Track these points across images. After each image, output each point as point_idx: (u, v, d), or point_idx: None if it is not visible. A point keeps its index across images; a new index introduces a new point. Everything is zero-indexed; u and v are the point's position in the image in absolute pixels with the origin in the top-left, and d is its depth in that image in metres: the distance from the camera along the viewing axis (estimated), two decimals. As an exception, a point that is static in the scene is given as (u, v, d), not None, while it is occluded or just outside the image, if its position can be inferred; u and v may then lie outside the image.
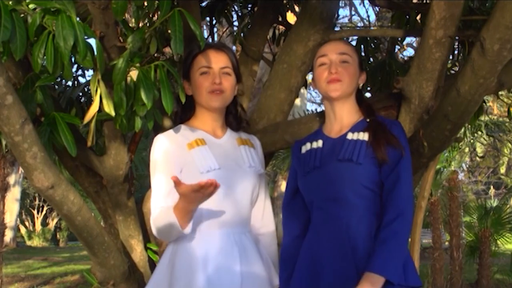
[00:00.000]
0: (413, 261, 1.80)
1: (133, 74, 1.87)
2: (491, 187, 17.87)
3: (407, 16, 2.93)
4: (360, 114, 1.93)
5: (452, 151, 7.97)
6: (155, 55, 2.58)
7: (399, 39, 3.45)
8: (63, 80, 2.68)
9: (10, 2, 1.63)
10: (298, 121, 2.43)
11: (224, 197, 1.91)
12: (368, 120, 1.89)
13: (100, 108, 1.89)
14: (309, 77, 3.43)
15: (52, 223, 18.86)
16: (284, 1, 3.11)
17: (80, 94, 2.64)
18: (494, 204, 8.56)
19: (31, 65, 1.70)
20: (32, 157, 1.75)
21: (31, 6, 1.71)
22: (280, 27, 3.26)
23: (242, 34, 3.11)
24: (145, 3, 2.50)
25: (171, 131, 1.99)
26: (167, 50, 3.20)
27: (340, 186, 1.80)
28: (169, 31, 1.83)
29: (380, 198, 1.79)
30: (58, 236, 19.17)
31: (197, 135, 1.98)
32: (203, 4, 3.09)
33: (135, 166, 5.37)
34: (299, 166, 1.94)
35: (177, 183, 1.71)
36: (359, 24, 10.78)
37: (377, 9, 6.08)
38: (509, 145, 12.07)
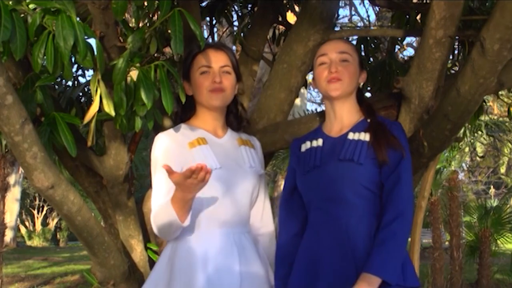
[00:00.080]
0: (411, 261, 1.80)
1: (133, 74, 1.88)
2: (491, 187, 17.87)
3: (407, 16, 2.93)
4: (360, 114, 1.93)
5: (452, 151, 7.97)
6: (155, 55, 2.58)
7: (399, 39, 3.46)
8: (63, 80, 2.68)
9: (10, 2, 1.63)
10: (298, 121, 2.43)
11: (224, 197, 1.91)
12: (368, 120, 1.88)
13: (100, 108, 1.89)
14: (309, 77, 3.43)
15: (52, 223, 18.87)
16: (284, 1, 3.11)
17: (80, 94, 2.65)
18: (494, 204, 8.56)
19: (31, 65, 1.70)
20: (32, 157, 1.75)
21: (31, 6, 1.71)
22: (280, 27, 3.26)
23: (242, 34, 3.11)
24: (145, 3, 2.50)
25: (171, 130, 2.00)
26: (167, 50, 3.20)
27: (340, 186, 1.80)
28: (169, 31, 1.83)
29: (379, 198, 1.79)
30: (58, 236, 19.18)
31: (198, 134, 1.98)
32: (203, 4, 3.09)
33: (135, 166, 5.37)
34: (298, 165, 1.93)
35: (169, 172, 1.71)
36: (359, 24, 10.78)
37: (377, 9, 6.08)
38: (509, 145, 12.07)
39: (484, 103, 3.52)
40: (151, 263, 2.48)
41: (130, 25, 2.42)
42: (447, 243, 8.40)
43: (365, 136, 1.83)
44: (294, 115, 7.04)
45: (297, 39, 2.47)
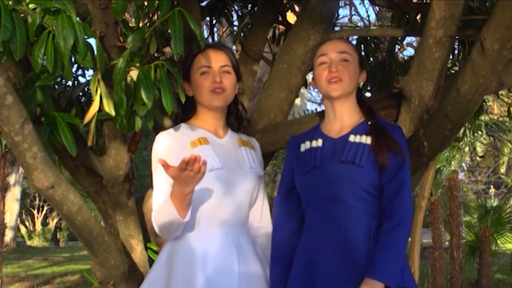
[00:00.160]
0: (408, 262, 1.82)
1: (133, 74, 1.88)
2: (491, 186, 17.87)
3: (407, 16, 2.93)
4: (360, 115, 1.92)
5: (452, 150, 7.97)
6: (155, 55, 2.58)
7: (399, 38, 3.46)
8: (63, 80, 2.68)
9: (10, 2, 1.63)
10: (298, 121, 2.43)
11: (224, 197, 1.92)
12: (369, 123, 1.88)
13: (100, 108, 1.89)
14: (309, 77, 3.43)
15: (52, 223, 18.87)
16: (284, 1, 3.11)
17: (80, 94, 2.64)
18: (494, 204, 8.57)
19: (31, 65, 1.70)
20: (32, 157, 1.75)
21: (31, 6, 1.71)
22: (280, 27, 3.26)
23: (242, 34, 3.11)
24: (145, 3, 2.50)
25: (172, 130, 2.00)
26: (167, 50, 3.20)
27: (340, 188, 1.80)
28: (169, 31, 1.83)
29: (378, 201, 1.80)
30: (58, 236, 19.18)
31: (200, 133, 1.98)
32: (203, 4, 3.09)
33: (135, 165, 5.37)
34: (298, 165, 1.92)
35: (165, 166, 1.72)
36: (359, 24, 10.79)
37: (377, 9, 6.08)
38: (509, 145, 12.08)
39: (484, 103, 3.52)
40: (151, 263, 2.47)
41: (130, 25, 2.42)
42: (447, 243, 8.40)
43: (366, 139, 1.83)
44: (294, 115, 7.04)
45: (297, 39, 2.47)
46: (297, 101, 8.39)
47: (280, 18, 3.04)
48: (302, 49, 2.46)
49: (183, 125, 2.02)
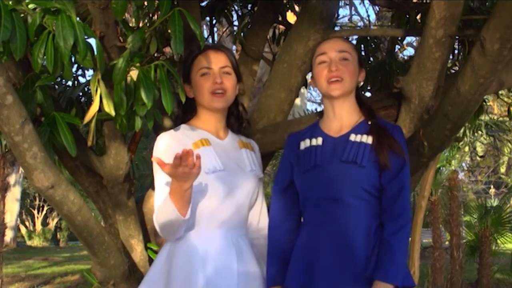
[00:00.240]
0: (407, 263, 1.84)
1: (133, 74, 1.87)
2: (491, 186, 17.87)
3: (407, 16, 2.93)
4: (360, 115, 1.92)
5: (452, 150, 7.97)
6: (155, 55, 2.58)
7: (399, 38, 3.45)
8: (63, 80, 2.68)
9: (10, 2, 1.63)
10: (298, 121, 2.43)
11: (225, 198, 1.92)
12: (369, 122, 1.88)
13: (100, 108, 1.89)
14: (309, 76, 3.43)
15: (52, 223, 18.86)
16: (284, 1, 3.11)
17: (80, 94, 2.64)
18: (494, 204, 8.57)
19: (31, 65, 1.70)
20: (32, 157, 1.75)
21: (31, 6, 1.71)
22: (280, 26, 3.26)
23: (242, 34, 3.11)
24: (145, 3, 2.50)
25: (173, 131, 1.99)
26: (167, 50, 3.20)
27: (340, 187, 1.80)
28: (169, 31, 1.83)
29: (378, 200, 1.81)
30: (58, 236, 19.18)
31: (201, 135, 1.98)
32: (203, 4, 3.08)
33: (136, 166, 5.37)
34: (297, 163, 1.91)
35: (160, 164, 1.73)
36: (359, 24, 10.78)
37: (377, 9, 6.08)
38: (509, 144, 12.08)
39: (484, 103, 3.52)
40: (151, 263, 2.47)
41: (130, 25, 2.42)
42: (447, 242, 8.39)
43: (367, 139, 1.82)
44: (294, 115, 7.04)
45: (297, 38, 2.47)
46: (297, 101, 8.39)
47: (280, 18, 3.04)
48: (302, 49, 2.46)
49: (183, 126, 2.02)
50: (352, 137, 1.84)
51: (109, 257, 2.16)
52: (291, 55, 2.49)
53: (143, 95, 1.83)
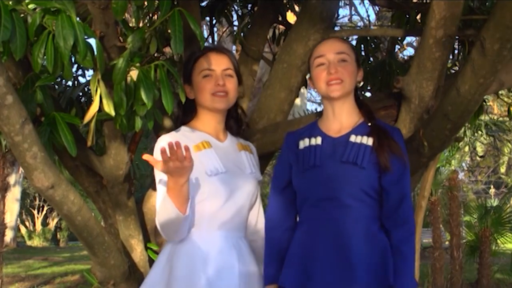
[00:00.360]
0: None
1: (133, 74, 1.87)
2: (491, 186, 17.87)
3: (407, 16, 2.93)
4: (359, 116, 1.92)
5: (452, 150, 7.97)
6: (155, 55, 2.58)
7: (399, 38, 3.46)
8: (63, 80, 2.68)
9: (10, 2, 1.63)
10: (298, 121, 2.43)
11: (226, 200, 1.92)
12: (369, 124, 1.88)
13: (100, 108, 1.89)
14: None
15: (52, 223, 18.86)
16: (284, 1, 3.11)
17: (80, 94, 2.64)
18: (494, 204, 8.56)
19: (31, 65, 1.70)
20: (32, 157, 1.75)
21: (31, 6, 1.71)
22: (280, 26, 3.26)
23: (242, 34, 3.11)
24: (145, 3, 2.50)
25: (174, 132, 1.99)
26: (167, 50, 3.20)
27: (339, 188, 1.80)
28: (169, 31, 1.83)
29: (376, 203, 1.81)
30: (58, 236, 19.17)
31: (202, 137, 1.98)
32: (203, 4, 3.09)
33: (136, 165, 5.36)
34: (296, 162, 1.90)
35: (152, 162, 1.74)
36: (359, 24, 10.78)
37: (377, 9, 6.08)
38: (509, 144, 12.08)
39: (484, 103, 3.53)
40: (151, 263, 2.47)
41: (130, 25, 2.42)
42: (447, 242, 8.39)
43: (367, 140, 1.82)
44: (294, 115, 7.04)
45: (297, 38, 2.47)
46: (297, 101, 8.39)
47: (280, 18, 3.04)
48: (302, 49, 2.46)
49: (184, 128, 2.02)
50: (353, 138, 1.84)
51: (109, 257, 2.16)
52: (291, 55, 2.49)
53: (143, 95, 1.83)
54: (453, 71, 3.04)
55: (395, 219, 1.78)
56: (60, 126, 1.96)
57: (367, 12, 22.45)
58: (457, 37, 2.61)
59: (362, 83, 3.22)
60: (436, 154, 2.24)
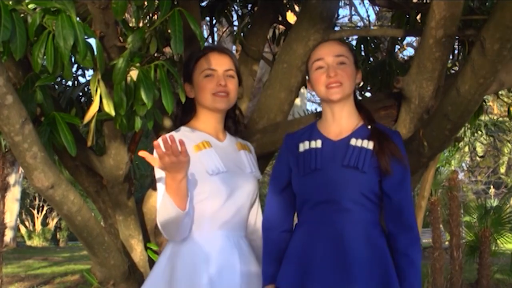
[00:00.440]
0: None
1: (133, 74, 1.87)
2: (491, 186, 17.87)
3: (407, 16, 2.93)
4: (359, 118, 1.91)
5: (452, 150, 7.97)
6: (155, 55, 2.58)
7: (399, 39, 3.46)
8: (63, 80, 2.68)
9: (10, 2, 1.63)
10: (298, 121, 2.43)
11: (227, 200, 1.92)
12: (369, 127, 1.87)
13: (100, 108, 1.89)
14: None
15: (52, 223, 18.85)
16: (284, 1, 3.11)
17: (80, 94, 2.64)
18: (494, 204, 8.55)
19: (31, 65, 1.70)
20: (32, 157, 1.75)
21: (31, 6, 1.71)
22: (280, 26, 3.27)
23: (242, 34, 3.11)
24: (145, 3, 2.50)
25: (174, 133, 1.99)
26: (167, 50, 3.20)
27: (340, 191, 1.79)
28: (169, 31, 1.83)
29: (376, 206, 1.81)
30: (58, 236, 19.16)
31: (202, 137, 1.98)
32: (203, 4, 3.09)
33: (136, 165, 5.36)
34: (297, 165, 1.89)
35: (149, 160, 1.74)
36: (359, 24, 10.78)
37: (377, 9, 6.09)
38: (509, 145, 12.08)
39: (484, 103, 3.53)
40: (151, 263, 2.48)
41: (130, 25, 2.42)
42: (447, 243, 8.38)
43: (368, 144, 1.81)
44: (294, 115, 7.04)
45: (297, 38, 2.47)
46: (297, 101, 8.39)
47: (280, 18, 3.04)
48: (302, 49, 2.46)
49: (183, 128, 2.02)
50: (353, 142, 1.83)
51: (109, 257, 2.16)
52: (291, 55, 2.49)
53: (143, 95, 1.83)
54: (453, 71, 3.04)
55: (401, 224, 1.79)
56: (60, 126, 1.97)
57: (367, 12, 22.45)
58: (457, 37, 2.61)
59: (362, 83, 3.22)
60: (436, 154, 2.24)
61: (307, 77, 1.98)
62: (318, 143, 1.88)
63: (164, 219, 1.82)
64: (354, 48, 3.20)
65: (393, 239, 1.80)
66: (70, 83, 2.71)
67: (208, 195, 1.90)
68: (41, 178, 1.79)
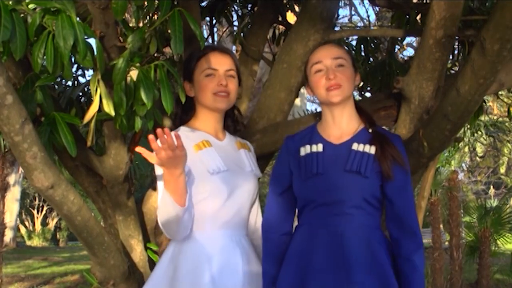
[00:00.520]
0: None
1: (133, 74, 1.87)
2: (491, 187, 17.86)
3: (407, 16, 2.93)
4: (359, 121, 1.90)
5: (452, 151, 7.97)
6: (155, 55, 2.58)
7: (399, 39, 3.46)
8: (63, 80, 2.68)
9: (10, 2, 1.63)
10: (298, 121, 2.43)
11: (228, 199, 1.93)
12: (370, 130, 1.87)
13: (100, 108, 1.89)
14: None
15: (52, 223, 18.85)
16: (284, 1, 3.11)
17: (80, 94, 2.64)
18: (494, 204, 8.55)
19: (31, 65, 1.70)
20: (32, 157, 1.75)
21: (31, 6, 1.71)
22: (280, 27, 3.27)
23: (242, 34, 3.11)
24: (145, 3, 2.50)
25: (174, 132, 1.99)
26: (167, 50, 3.20)
27: (341, 196, 1.79)
28: (169, 31, 1.83)
29: (376, 211, 1.82)
30: (58, 236, 19.16)
31: (202, 136, 1.98)
32: (203, 4, 3.09)
33: (136, 165, 5.36)
34: (298, 169, 1.88)
35: (146, 155, 1.73)
36: (359, 24, 10.78)
37: (377, 9, 6.09)
38: (509, 145, 12.08)
39: (484, 104, 3.53)
40: (151, 263, 2.48)
41: (130, 25, 2.42)
42: (447, 243, 8.39)
43: (370, 149, 1.81)
44: (294, 115, 7.04)
45: (297, 39, 2.47)
46: (297, 101, 8.39)
47: (280, 18, 3.04)
48: (302, 49, 2.46)
49: (183, 128, 2.02)
50: (355, 146, 1.83)
51: (108, 257, 2.16)
52: (291, 55, 2.49)
53: (143, 95, 1.83)
54: (453, 72, 3.04)
55: (403, 229, 1.79)
56: (60, 126, 1.96)
57: (367, 12, 22.47)
58: (457, 37, 2.61)
59: (362, 84, 3.22)
60: (436, 154, 2.24)
61: (306, 81, 1.98)
62: (319, 147, 1.87)
63: (164, 216, 1.82)
64: (354, 48, 3.20)
65: (396, 244, 1.80)
66: (70, 83, 2.71)
67: (209, 194, 1.90)
68: (41, 178, 1.79)
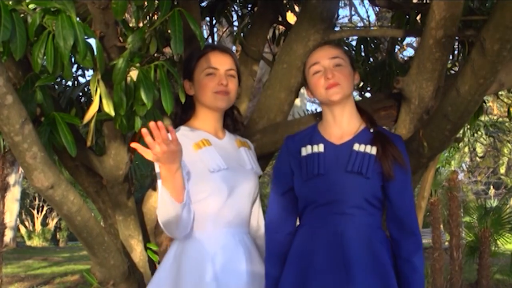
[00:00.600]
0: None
1: (133, 74, 1.87)
2: (491, 187, 17.86)
3: (407, 16, 2.93)
4: (360, 121, 1.90)
5: (451, 151, 7.97)
6: (155, 55, 2.58)
7: (399, 39, 3.46)
8: (63, 80, 2.68)
9: (10, 2, 1.63)
10: (298, 121, 2.43)
11: (229, 197, 1.93)
12: (371, 130, 1.87)
13: (100, 108, 1.89)
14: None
15: (52, 223, 18.85)
16: (284, 1, 3.11)
17: (80, 94, 2.64)
18: (494, 204, 8.55)
19: (31, 65, 1.70)
20: (32, 157, 1.75)
21: (31, 6, 1.71)
22: (280, 27, 3.27)
23: (242, 34, 3.11)
24: (145, 3, 2.50)
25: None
26: (167, 50, 3.20)
27: (343, 196, 1.79)
28: (169, 31, 1.83)
29: (378, 211, 1.82)
30: (58, 236, 19.16)
31: (201, 135, 1.99)
32: (203, 4, 3.09)
33: (136, 165, 5.35)
34: (299, 169, 1.88)
35: (141, 151, 1.72)
36: (359, 24, 10.78)
37: (377, 9, 6.09)
38: (509, 145, 12.08)
39: (484, 104, 3.53)
40: (151, 263, 2.48)
41: (130, 25, 2.42)
42: (447, 243, 8.39)
43: (371, 149, 1.81)
44: (294, 115, 7.03)
45: (297, 39, 2.47)
46: (297, 101, 8.38)
47: (280, 18, 3.04)
48: (302, 49, 2.46)
49: (183, 127, 2.02)
50: (356, 147, 1.82)
51: (108, 257, 2.16)
52: (291, 55, 2.49)
53: (143, 95, 1.83)
54: (453, 72, 3.04)
55: (403, 230, 1.80)
56: (60, 126, 1.97)
57: (367, 12, 22.48)
58: (457, 37, 2.61)
59: (362, 84, 3.22)
60: (436, 154, 2.24)
61: (305, 83, 1.98)
62: (320, 147, 1.87)
63: (164, 214, 1.82)
64: (354, 48, 3.20)
65: (396, 245, 1.80)
66: (70, 83, 2.71)
67: (210, 193, 1.90)
68: (41, 178, 1.79)
